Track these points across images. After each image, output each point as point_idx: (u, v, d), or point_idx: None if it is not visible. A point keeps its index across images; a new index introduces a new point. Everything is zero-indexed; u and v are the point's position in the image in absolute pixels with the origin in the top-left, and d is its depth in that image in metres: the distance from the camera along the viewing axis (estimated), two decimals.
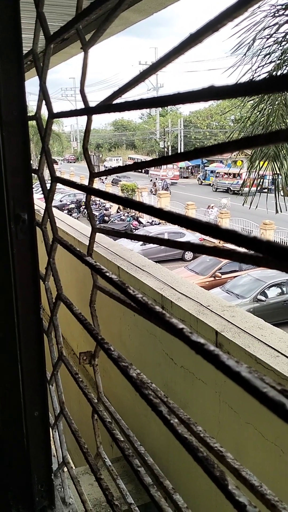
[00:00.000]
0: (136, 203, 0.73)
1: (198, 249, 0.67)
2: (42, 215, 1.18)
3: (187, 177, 53.24)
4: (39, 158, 1.28)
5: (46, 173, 1.34)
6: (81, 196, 30.86)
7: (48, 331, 1.27)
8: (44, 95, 1.07)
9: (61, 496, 1.29)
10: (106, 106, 0.78)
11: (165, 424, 0.64)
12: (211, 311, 2.53)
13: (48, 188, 1.15)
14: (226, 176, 40.53)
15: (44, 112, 1.20)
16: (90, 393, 1.02)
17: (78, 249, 0.95)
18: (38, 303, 1.13)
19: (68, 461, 1.26)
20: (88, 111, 0.88)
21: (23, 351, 1.12)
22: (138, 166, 0.88)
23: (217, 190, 40.79)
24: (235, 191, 36.39)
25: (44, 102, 1.08)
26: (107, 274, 0.77)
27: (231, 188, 38.43)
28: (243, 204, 7.39)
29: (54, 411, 1.34)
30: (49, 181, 1.27)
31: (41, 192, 1.31)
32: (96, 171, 1.13)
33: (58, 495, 1.29)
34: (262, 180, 7.53)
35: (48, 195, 1.13)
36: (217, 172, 42.77)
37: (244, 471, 0.62)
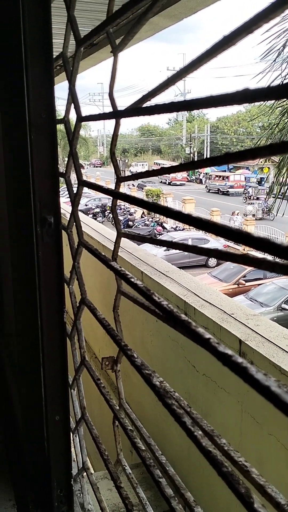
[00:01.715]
0: (162, 207, 0.72)
1: (225, 257, 0.65)
2: (68, 219, 1.18)
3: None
4: (66, 161, 1.28)
5: (73, 177, 1.34)
6: (106, 200, 31.02)
7: (71, 335, 1.26)
8: (73, 98, 1.07)
9: (80, 502, 1.28)
10: (135, 109, 0.77)
11: (188, 436, 0.63)
12: (235, 319, 2.49)
13: (75, 192, 1.15)
14: (216, 178, 44.88)
15: (73, 116, 1.20)
16: (111, 399, 1.00)
17: (103, 253, 0.95)
18: (62, 307, 1.12)
19: (88, 467, 1.25)
20: (116, 114, 0.87)
21: (46, 355, 1.12)
22: (165, 171, 0.87)
23: (210, 191, 44.71)
24: (224, 192, 42.22)
25: (73, 105, 1.08)
26: (132, 280, 0.76)
27: (221, 189, 42.88)
28: (270, 213, 7.28)
29: (75, 415, 1.34)
30: (76, 185, 1.27)
31: (66, 195, 1.31)
32: (122, 176, 1.12)
33: (77, 500, 1.28)
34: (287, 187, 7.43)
35: (75, 199, 1.13)
36: (210, 175, 47.00)
37: (270, 488, 0.60)
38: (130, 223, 27.88)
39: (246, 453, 2.25)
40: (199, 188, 47.94)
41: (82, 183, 1.08)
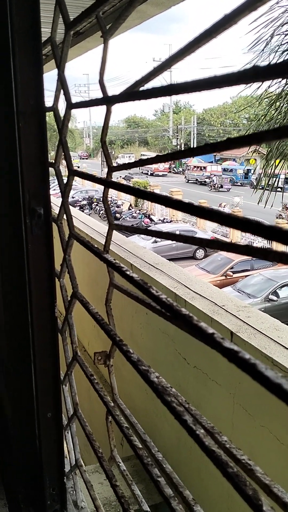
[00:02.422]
0: (154, 195, 0.69)
1: (226, 247, 0.62)
2: (58, 210, 1.14)
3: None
4: (55, 152, 1.24)
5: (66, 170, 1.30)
6: (93, 192, 30.82)
7: (63, 330, 1.23)
8: (62, 84, 1.03)
9: (73, 499, 1.26)
10: (127, 94, 0.74)
11: (190, 435, 0.60)
12: (226, 311, 2.48)
13: (65, 182, 1.11)
14: (195, 169, 46.12)
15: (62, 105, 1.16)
16: (106, 396, 0.98)
17: (95, 246, 0.91)
18: (53, 301, 1.09)
19: (81, 464, 1.22)
20: (107, 100, 0.84)
21: (36, 351, 1.08)
22: (155, 160, 0.83)
23: (189, 181, 46.12)
24: (202, 182, 43.56)
25: (62, 92, 1.04)
26: (128, 272, 0.73)
27: (199, 179, 44.40)
28: (258, 203, 7.30)
29: (67, 412, 1.31)
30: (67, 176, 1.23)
31: (53, 188, 1.27)
32: (114, 166, 1.09)
33: (70, 498, 1.25)
34: (277, 179, 7.44)
35: (65, 190, 1.09)
36: (188, 166, 48.17)
37: (276, 487, 0.57)
38: (118, 215, 27.78)
39: (238, 445, 2.24)
40: (179, 178, 48.97)
41: (73, 173, 1.04)
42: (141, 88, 0.89)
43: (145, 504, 0.97)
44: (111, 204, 30.13)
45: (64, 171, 1.21)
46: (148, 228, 24.00)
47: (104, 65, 1.09)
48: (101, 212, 28.91)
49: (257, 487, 0.60)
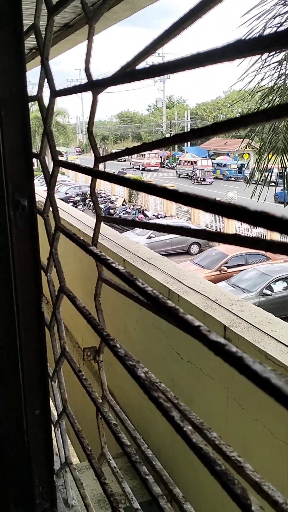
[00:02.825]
0: (146, 184, 0.66)
1: (214, 237, 0.60)
2: (44, 203, 1.12)
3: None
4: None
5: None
6: (87, 188, 30.67)
7: (51, 326, 1.20)
8: (46, 72, 1.00)
9: (63, 497, 1.23)
10: (112, 78, 0.71)
11: (177, 432, 0.58)
12: (219, 305, 2.46)
13: (50, 173, 1.08)
14: (186, 163, 46.72)
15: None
16: (94, 392, 0.95)
17: (81, 238, 0.89)
18: (39, 296, 1.06)
19: (71, 461, 1.20)
20: (92, 85, 0.81)
21: (23, 347, 1.06)
22: (144, 148, 0.81)
23: (180, 176, 46.59)
24: (192, 176, 43.14)
25: (46, 80, 1.01)
26: (113, 265, 0.71)
27: (189, 174, 44.40)
28: (251, 197, 7.29)
29: (56, 408, 1.28)
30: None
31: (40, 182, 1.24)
32: (101, 156, 1.06)
33: (61, 496, 1.23)
34: (270, 173, 7.43)
35: (50, 181, 1.06)
36: (179, 160, 48.80)
37: (266, 485, 0.55)
38: (111, 211, 27.71)
39: (232, 439, 2.23)
40: (171, 174, 49.14)
41: (58, 164, 1.01)
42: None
43: (135, 501, 0.95)
44: (105, 200, 30.06)
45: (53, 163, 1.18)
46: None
47: (90, 52, 1.06)
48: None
49: (247, 485, 0.58)
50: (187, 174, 45.00)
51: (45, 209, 1.12)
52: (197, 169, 42.96)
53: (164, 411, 0.60)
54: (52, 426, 1.28)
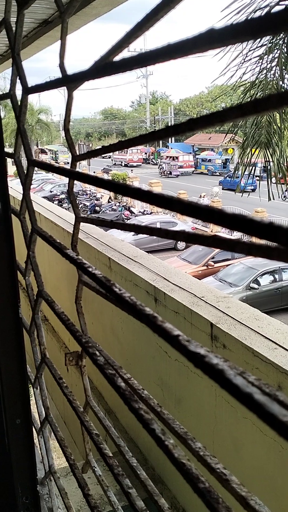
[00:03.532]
0: (123, 186, 0.63)
1: (193, 239, 0.56)
2: (20, 204, 1.08)
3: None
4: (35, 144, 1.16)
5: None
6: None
7: (31, 331, 1.16)
8: (17, 68, 0.96)
9: (48, 507, 1.20)
10: (86, 72, 0.67)
11: (158, 446, 0.55)
12: (206, 302, 2.44)
13: (25, 172, 1.04)
14: (168, 158, 47.20)
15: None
16: (75, 400, 0.92)
17: (58, 241, 0.85)
18: (16, 301, 1.02)
19: (54, 470, 1.16)
20: (66, 80, 0.77)
21: (1, 354, 1.02)
22: (123, 145, 0.78)
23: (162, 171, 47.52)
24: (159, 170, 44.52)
25: (18, 76, 0.97)
26: (90, 269, 0.67)
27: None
28: (235, 192, 7.28)
29: (39, 415, 1.25)
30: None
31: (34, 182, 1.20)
32: (78, 154, 1.02)
33: (45, 506, 1.19)
34: (253, 167, 7.43)
35: (26, 181, 1.02)
36: (161, 156, 50.22)
37: (253, 499, 0.53)
38: (97, 208, 27.58)
39: (222, 437, 2.21)
40: (154, 170, 49.55)
41: (33, 163, 0.97)
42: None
43: (120, 510, 0.92)
44: (91, 197, 29.89)
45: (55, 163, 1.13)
46: (129, 220, 23.92)
47: (64, 47, 1.02)
48: (80, 205, 28.68)
49: (233, 499, 0.55)
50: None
51: (21, 211, 1.08)
52: (164, 162, 45.11)
53: (145, 424, 0.57)
54: (35, 433, 1.24)
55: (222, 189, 35.39)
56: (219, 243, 0.49)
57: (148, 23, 0.64)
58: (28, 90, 0.93)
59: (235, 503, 0.55)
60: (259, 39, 6.14)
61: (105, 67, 0.62)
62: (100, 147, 0.83)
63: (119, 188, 0.62)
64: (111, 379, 0.65)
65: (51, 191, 31.11)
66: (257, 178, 8.02)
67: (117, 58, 0.82)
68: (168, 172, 43.21)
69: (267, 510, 0.50)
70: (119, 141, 0.77)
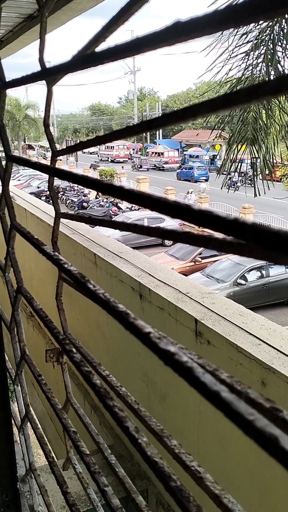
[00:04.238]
0: (104, 184, 0.62)
1: (167, 235, 0.56)
2: None
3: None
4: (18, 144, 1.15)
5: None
6: (60, 182, 30.37)
7: (11, 327, 1.15)
8: None
9: (29, 504, 1.19)
10: (64, 65, 0.66)
11: (132, 443, 0.54)
12: (191, 298, 2.44)
13: (4, 168, 1.03)
14: (153, 154, 48.95)
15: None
16: (54, 398, 0.91)
17: (36, 237, 0.84)
18: None
19: (35, 468, 1.15)
20: (46, 73, 0.76)
21: None
22: (103, 140, 0.77)
23: (149, 167, 48.40)
24: (160, 167, 46.23)
25: None
26: (65, 265, 0.67)
27: (157, 165, 46.99)
28: (221, 188, 7.31)
29: (20, 413, 1.24)
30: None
31: (18, 179, 1.19)
32: (58, 150, 1.01)
33: (26, 503, 1.19)
34: (240, 164, 7.45)
35: (4, 176, 1.01)
36: (147, 151, 51.30)
37: (226, 497, 0.52)
38: (85, 204, 27.50)
39: (206, 432, 2.22)
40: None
41: (11, 159, 0.96)
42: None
43: (100, 508, 0.92)
44: (78, 193, 29.76)
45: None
46: (116, 216, 23.88)
47: (43, 41, 1.01)
48: (67, 201, 28.57)
49: (207, 497, 0.55)
50: (155, 165, 46.99)
51: (0, 207, 1.07)
52: (135, 157, 47.20)
53: (119, 421, 0.57)
54: (16, 430, 1.24)
55: (179, 179, 36.81)
56: (192, 239, 0.48)
57: (123, 17, 0.63)
58: (6, 85, 0.91)
59: (209, 501, 0.54)
60: (245, 35, 6.15)
61: (84, 58, 0.61)
62: (78, 142, 0.82)
63: (94, 184, 0.62)
64: (87, 377, 0.65)
65: (38, 187, 30.97)
66: (243, 173, 8.05)
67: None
68: (139, 166, 45.04)
69: (240, 508, 0.50)
70: (96, 136, 0.76)
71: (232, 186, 29.22)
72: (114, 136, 0.70)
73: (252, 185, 7.14)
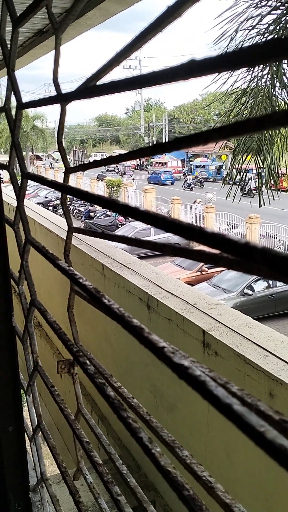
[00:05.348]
0: (110, 201, 0.65)
1: (179, 253, 0.59)
2: (14, 214, 1.09)
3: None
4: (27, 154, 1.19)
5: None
6: None
7: (23, 339, 1.18)
8: (12, 84, 0.98)
9: None
10: (81, 91, 0.69)
11: (145, 454, 0.56)
12: (198, 309, 2.46)
13: (20, 185, 1.06)
14: (157, 164, 50.34)
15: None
16: (67, 408, 0.93)
17: (51, 251, 0.87)
18: (9, 309, 1.04)
19: (46, 477, 1.17)
20: (61, 98, 0.79)
21: None
22: (114, 160, 0.80)
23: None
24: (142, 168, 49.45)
25: (12, 92, 0.99)
26: (81, 280, 0.69)
27: (139, 166, 49.84)
28: (226, 198, 7.33)
29: (31, 423, 1.26)
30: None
31: (29, 188, 1.22)
32: (71, 166, 1.04)
33: None
34: (245, 174, 7.49)
35: (19, 192, 1.04)
36: (151, 161, 52.74)
37: (237, 506, 0.54)
38: (92, 214, 27.59)
39: (214, 444, 2.23)
40: (144, 175, 50.85)
41: (26, 176, 0.99)
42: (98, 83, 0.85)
43: None
44: (85, 203, 29.88)
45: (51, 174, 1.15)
46: (123, 225, 23.94)
47: (58, 63, 1.04)
48: (74, 211, 28.69)
49: (218, 507, 0.57)
50: (137, 166, 49.48)
51: (15, 221, 1.10)
52: (120, 165, 48.77)
53: (133, 432, 0.59)
54: (28, 440, 1.26)
55: (149, 183, 38.01)
56: (204, 257, 0.51)
57: (137, 44, 0.66)
58: (22, 106, 0.95)
59: (220, 510, 0.56)
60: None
61: (95, 88, 0.65)
62: (92, 161, 0.85)
63: (108, 204, 0.65)
64: (101, 388, 0.67)
65: (45, 197, 31.13)
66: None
67: (109, 76, 0.84)
68: (123, 172, 47.75)
69: None
70: (109, 156, 0.79)
71: (188, 187, 37.01)
72: (127, 157, 0.73)
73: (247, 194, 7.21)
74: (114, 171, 50.30)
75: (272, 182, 7.12)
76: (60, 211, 28.19)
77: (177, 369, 0.45)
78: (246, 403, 0.44)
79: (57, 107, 1.03)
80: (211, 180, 42.69)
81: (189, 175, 43.33)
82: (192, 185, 37.55)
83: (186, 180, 39.96)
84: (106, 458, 1.18)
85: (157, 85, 0.48)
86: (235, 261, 0.45)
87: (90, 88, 0.74)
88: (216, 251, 0.49)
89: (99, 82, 0.83)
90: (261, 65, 5.88)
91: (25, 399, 1.28)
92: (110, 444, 0.95)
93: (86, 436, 0.85)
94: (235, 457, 2.07)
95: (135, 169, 52.65)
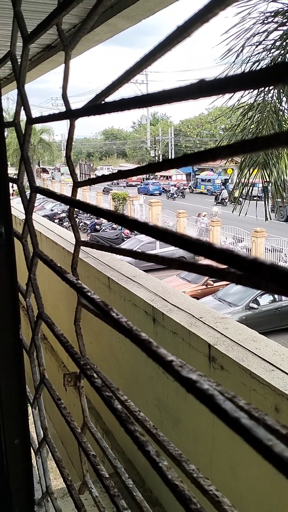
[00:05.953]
0: (119, 216, 0.66)
1: (187, 267, 0.59)
2: (22, 228, 1.11)
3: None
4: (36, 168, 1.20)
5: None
6: None
7: (30, 352, 1.18)
8: (22, 99, 1.00)
9: None
10: (89, 108, 0.71)
11: (153, 467, 0.57)
12: (204, 323, 2.45)
13: (28, 198, 1.08)
14: (161, 178, 51.46)
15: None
16: (73, 421, 0.93)
17: (59, 265, 0.88)
18: (17, 322, 1.05)
19: (52, 491, 1.17)
20: (70, 114, 0.81)
21: (0, 374, 1.04)
22: (122, 175, 0.81)
23: None
24: (166, 190, 46.48)
25: (22, 107, 1.01)
26: (89, 293, 0.70)
27: (165, 188, 48.09)
28: (232, 211, 7.34)
29: (37, 436, 1.26)
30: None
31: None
32: (79, 181, 1.06)
33: None
34: (252, 187, 7.51)
35: (28, 206, 1.06)
36: (155, 175, 53.22)
37: None
38: (97, 227, 27.66)
39: (219, 458, 2.21)
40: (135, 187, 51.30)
41: (35, 190, 1.01)
42: (106, 100, 0.87)
43: None
44: (91, 216, 29.98)
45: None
46: (129, 238, 23.97)
47: (67, 79, 1.07)
48: (80, 224, 28.79)
49: None
50: (163, 188, 48.83)
51: (23, 235, 1.11)
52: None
53: (140, 446, 0.59)
54: (33, 453, 1.25)
55: (138, 192, 39.14)
56: (212, 272, 0.52)
57: (146, 63, 0.67)
58: (32, 121, 0.97)
59: None
60: (257, 63, 6.27)
61: (104, 106, 0.66)
62: (101, 175, 0.86)
63: (117, 218, 0.66)
64: (108, 401, 0.68)
65: (52, 210, 31.28)
66: (256, 198, 8.10)
67: (118, 93, 0.86)
68: (116, 183, 48.85)
69: None
70: (118, 171, 0.81)
71: (171, 197, 39.90)
72: (135, 172, 0.74)
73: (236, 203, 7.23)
74: (118, 184, 50.82)
75: (278, 196, 7.14)
76: (66, 224, 28.32)
77: (185, 382, 0.45)
78: (254, 417, 0.44)
79: (64, 121, 1.05)
80: (217, 193, 42.79)
81: (185, 188, 44.84)
82: (175, 195, 42.27)
83: (169, 191, 43.37)
84: (111, 472, 1.18)
85: (165, 104, 0.49)
86: (243, 276, 0.46)
87: (99, 105, 0.76)
88: (224, 266, 0.50)
89: (108, 99, 0.85)
90: None
91: (30, 412, 1.28)
92: (115, 457, 0.95)
93: (92, 450, 0.85)
94: (239, 471, 2.06)
95: (141, 182, 53.06)
